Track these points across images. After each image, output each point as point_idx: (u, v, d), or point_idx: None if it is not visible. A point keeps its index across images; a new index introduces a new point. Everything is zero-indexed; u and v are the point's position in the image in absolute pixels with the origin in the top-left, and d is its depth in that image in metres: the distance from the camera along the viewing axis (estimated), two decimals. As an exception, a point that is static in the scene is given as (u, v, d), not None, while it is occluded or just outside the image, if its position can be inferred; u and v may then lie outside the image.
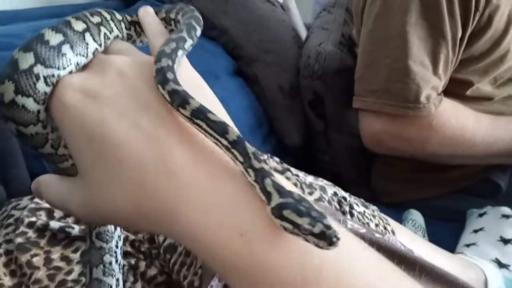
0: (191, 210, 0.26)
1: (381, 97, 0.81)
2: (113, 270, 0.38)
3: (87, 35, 0.32)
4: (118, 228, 0.40)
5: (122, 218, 0.28)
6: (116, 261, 0.39)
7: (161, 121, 0.28)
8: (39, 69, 0.29)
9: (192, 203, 0.26)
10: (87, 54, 0.32)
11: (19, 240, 0.52)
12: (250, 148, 0.26)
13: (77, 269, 0.52)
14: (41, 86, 0.29)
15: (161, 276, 0.57)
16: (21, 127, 0.31)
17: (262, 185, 0.25)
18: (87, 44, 0.32)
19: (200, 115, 0.27)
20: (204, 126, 0.27)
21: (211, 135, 0.27)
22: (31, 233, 0.53)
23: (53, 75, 0.30)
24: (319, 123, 1.06)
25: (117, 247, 0.39)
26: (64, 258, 0.52)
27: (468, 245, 0.83)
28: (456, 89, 0.85)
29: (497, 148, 0.84)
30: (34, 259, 0.51)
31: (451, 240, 0.89)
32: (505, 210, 0.87)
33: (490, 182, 0.97)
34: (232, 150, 0.26)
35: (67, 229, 0.53)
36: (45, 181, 0.34)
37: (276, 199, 0.24)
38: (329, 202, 0.65)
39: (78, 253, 0.53)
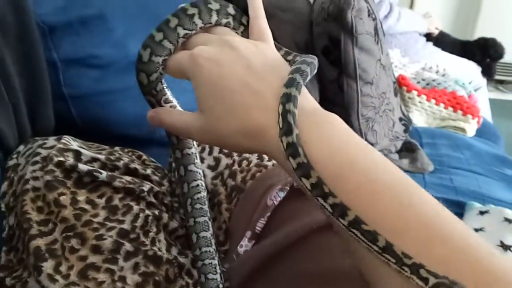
0: (276, 131, 0.36)
1: None
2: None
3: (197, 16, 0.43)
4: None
5: (231, 139, 0.39)
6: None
7: (262, 80, 0.38)
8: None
9: (276, 127, 0.36)
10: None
11: (47, 177, 0.51)
12: (398, 249, 0.31)
13: (102, 214, 0.52)
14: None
15: (181, 229, 0.57)
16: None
17: (418, 275, 0.29)
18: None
19: (355, 225, 0.32)
20: (359, 234, 0.32)
21: (363, 241, 0.32)
22: (58, 172, 0.52)
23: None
24: (332, 70, 1.07)
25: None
26: (89, 201, 0.52)
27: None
28: None
29: None
30: (61, 198, 0.51)
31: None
32: (508, 213, 0.87)
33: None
34: (384, 254, 0.31)
35: (95, 173, 0.53)
36: (165, 110, 0.46)
37: (432, 280, 0.29)
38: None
39: (103, 199, 0.53)
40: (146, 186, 0.56)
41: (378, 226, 0.31)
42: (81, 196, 0.52)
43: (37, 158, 0.54)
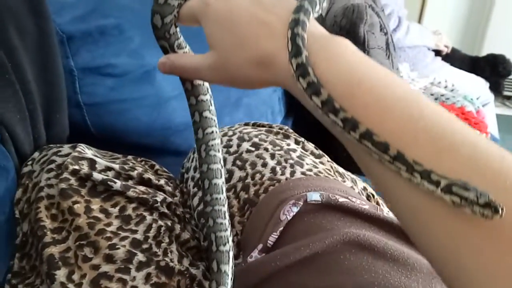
0: (286, 56, 0.36)
1: None
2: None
3: None
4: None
5: (241, 72, 0.40)
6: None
7: (270, 11, 0.39)
8: None
9: (285, 52, 0.36)
10: None
11: (62, 185, 0.52)
12: (409, 158, 0.30)
13: (115, 223, 0.52)
14: None
15: (193, 241, 0.57)
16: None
17: (429, 179, 0.29)
18: None
19: (367, 137, 0.32)
20: (370, 145, 0.32)
21: (375, 152, 0.32)
22: (73, 181, 0.53)
23: None
24: None
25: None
26: (103, 210, 0.52)
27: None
28: None
29: None
30: (76, 206, 0.51)
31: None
32: None
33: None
34: (395, 162, 0.31)
35: (109, 183, 0.53)
36: (176, 55, 0.47)
37: (444, 182, 0.29)
38: (359, 194, 0.66)
39: (117, 208, 0.53)
40: (159, 197, 0.56)
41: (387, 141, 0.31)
42: (95, 205, 0.52)
43: (52, 166, 0.54)
